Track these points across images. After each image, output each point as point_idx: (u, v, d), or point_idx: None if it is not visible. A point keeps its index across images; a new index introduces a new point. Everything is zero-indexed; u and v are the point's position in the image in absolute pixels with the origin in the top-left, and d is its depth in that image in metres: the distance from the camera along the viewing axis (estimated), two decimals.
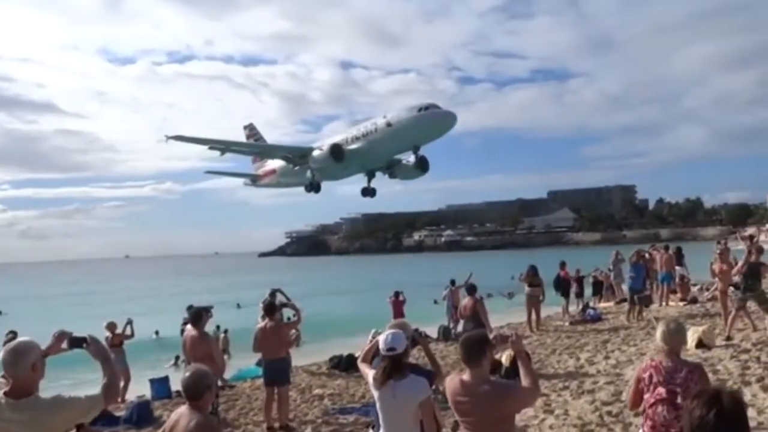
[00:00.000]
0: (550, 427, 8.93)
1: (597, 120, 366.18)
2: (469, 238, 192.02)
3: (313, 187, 30.78)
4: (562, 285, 23.30)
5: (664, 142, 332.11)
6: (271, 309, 11.01)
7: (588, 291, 26.04)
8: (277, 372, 10.68)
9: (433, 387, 5.85)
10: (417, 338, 5.97)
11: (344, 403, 12.30)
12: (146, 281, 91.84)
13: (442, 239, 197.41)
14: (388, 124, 27.00)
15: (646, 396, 5.03)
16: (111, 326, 14.67)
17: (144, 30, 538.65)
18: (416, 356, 9.57)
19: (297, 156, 30.49)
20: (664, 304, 20.95)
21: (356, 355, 15.78)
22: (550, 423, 9.09)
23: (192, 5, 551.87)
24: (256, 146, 34.92)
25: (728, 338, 13.25)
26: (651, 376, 5.03)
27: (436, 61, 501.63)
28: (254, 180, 36.58)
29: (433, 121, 25.96)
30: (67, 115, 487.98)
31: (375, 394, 4.97)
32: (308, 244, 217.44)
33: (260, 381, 12.27)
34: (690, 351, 12.52)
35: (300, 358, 17.79)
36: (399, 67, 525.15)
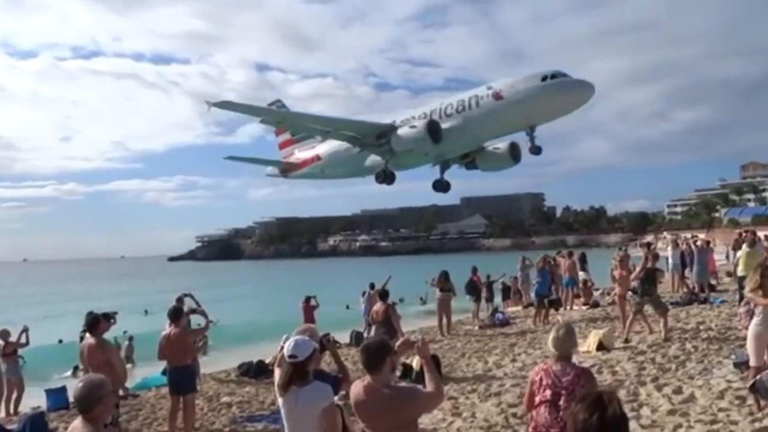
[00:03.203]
0: (458, 430, 9.07)
1: None
2: (384, 244, 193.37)
3: (387, 176, 24.73)
4: (474, 290, 23.78)
5: (572, 152, 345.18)
6: (176, 315, 10.65)
7: (498, 297, 26.72)
8: (182, 380, 10.35)
9: (343, 392, 5.81)
10: (325, 344, 5.92)
11: (253, 410, 12.07)
12: (46, 286, 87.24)
13: (357, 244, 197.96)
14: (497, 97, 21.26)
15: (536, 398, 5.21)
16: (4, 334, 13.81)
17: (47, 23, 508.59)
18: (328, 362, 9.50)
19: (373, 135, 23.97)
20: (568, 307, 21.76)
21: (266, 361, 15.61)
22: (457, 426, 9.23)
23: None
24: (322, 119, 26.06)
25: (626, 341, 13.90)
26: (541, 379, 5.24)
27: (353, 66, 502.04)
28: (285, 170, 30.06)
29: (563, 92, 20.51)
30: None
31: (279, 401, 4.90)
32: (220, 248, 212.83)
33: (165, 389, 11.88)
34: (591, 353, 13.08)
35: (208, 365, 17.35)
36: (316, 71, 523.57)
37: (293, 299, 23.49)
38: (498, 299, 26.36)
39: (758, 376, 7.81)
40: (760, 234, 23.86)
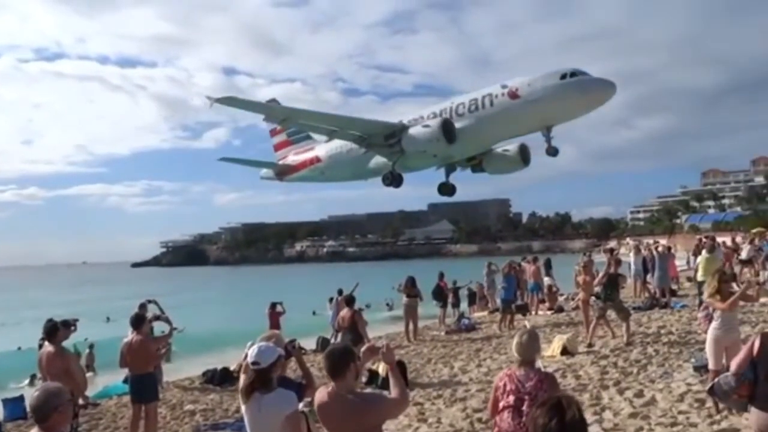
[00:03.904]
0: None
1: None
2: (351, 249, 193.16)
3: (394, 178, 23.75)
4: (441, 295, 23.85)
5: (538, 159, 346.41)
6: (138, 322, 10.47)
7: (465, 302, 26.83)
8: (144, 388, 10.16)
9: (309, 399, 5.76)
10: (290, 350, 5.86)
11: (217, 418, 11.93)
12: (5, 293, 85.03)
13: (324, 250, 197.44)
14: (513, 95, 20.32)
15: (500, 404, 5.24)
16: None
17: (8, 24, 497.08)
18: (294, 368, 9.43)
19: (382, 135, 22.89)
20: (533, 312, 21.98)
21: (231, 368, 15.43)
22: (423, 431, 9.23)
23: (63, 1, 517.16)
24: (329, 117, 24.14)
25: (590, 345, 14.09)
26: (505, 385, 5.29)
27: (321, 71, 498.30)
28: (281, 172, 28.79)
29: (583, 91, 19.48)
30: None
31: (242, 408, 4.84)
32: (185, 254, 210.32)
33: (127, 398, 11.67)
34: (555, 357, 13.22)
35: (172, 372, 17.10)
36: (284, 75, 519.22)
37: (259, 305, 23.24)
38: (464, 305, 26.49)
39: (717, 380, 7.94)
40: (719, 240, 24.44)
